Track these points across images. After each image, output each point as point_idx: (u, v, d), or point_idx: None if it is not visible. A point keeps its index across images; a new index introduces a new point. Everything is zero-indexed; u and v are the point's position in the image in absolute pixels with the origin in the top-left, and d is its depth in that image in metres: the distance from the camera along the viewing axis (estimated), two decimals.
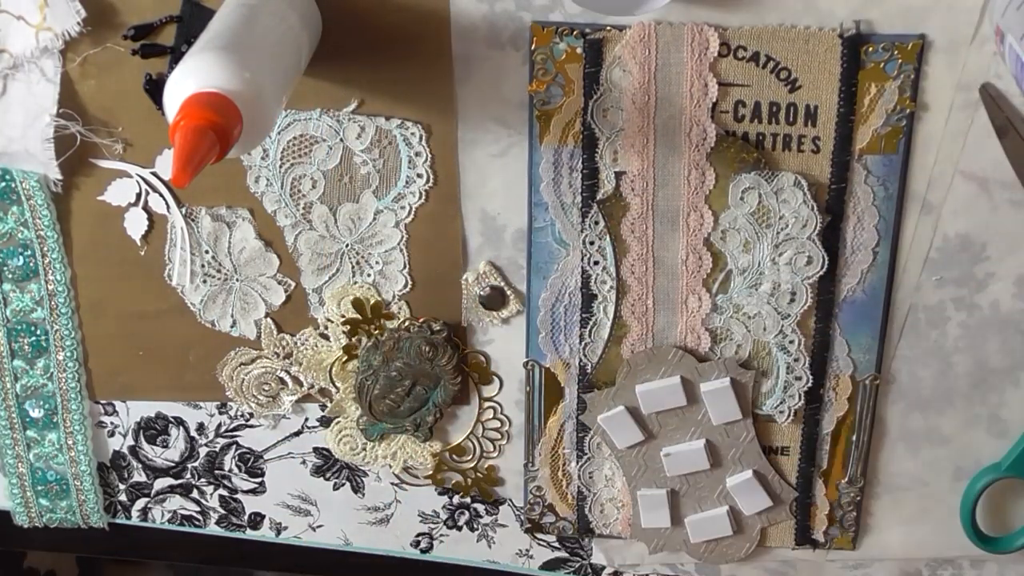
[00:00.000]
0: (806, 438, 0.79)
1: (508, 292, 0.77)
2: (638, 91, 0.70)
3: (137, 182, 0.76)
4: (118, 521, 0.90)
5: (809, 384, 0.77)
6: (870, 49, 0.68)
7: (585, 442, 0.81)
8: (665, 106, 0.70)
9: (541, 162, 0.73)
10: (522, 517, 0.85)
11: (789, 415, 0.78)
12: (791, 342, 0.76)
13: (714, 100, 0.70)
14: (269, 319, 0.80)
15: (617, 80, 0.70)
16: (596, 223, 0.74)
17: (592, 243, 0.75)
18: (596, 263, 0.75)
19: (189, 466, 0.87)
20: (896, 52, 0.68)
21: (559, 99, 0.71)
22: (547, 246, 0.75)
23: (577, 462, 0.82)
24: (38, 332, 0.82)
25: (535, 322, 0.78)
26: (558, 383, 0.79)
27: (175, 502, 0.89)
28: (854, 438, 0.79)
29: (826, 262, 0.73)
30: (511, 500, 0.85)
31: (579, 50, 0.70)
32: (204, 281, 0.79)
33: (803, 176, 0.72)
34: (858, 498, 0.81)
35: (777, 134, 0.71)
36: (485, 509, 0.86)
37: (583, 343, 0.78)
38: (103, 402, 0.85)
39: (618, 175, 0.73)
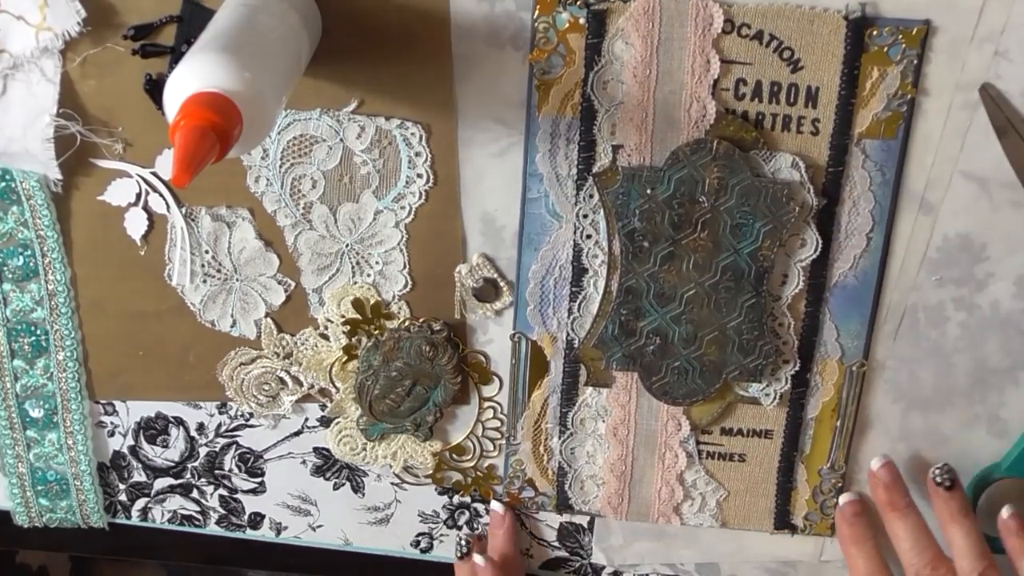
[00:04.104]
0: (790, 422, 0.79)
1: (501, 284, 0.77)
2: (639, 64, 0.70)
3: (137, 182, 0.76)
4: (118, 521, 0.90)
5: (797, 368, 0.77)
6: (874, 32, 0.68)
7: (568, 417, 0.80)
8: (666, 81, 0.70)
9: (538, 132, 0.72)
10: (501, 491, 0.85)
11: (775, 398, 0.78)
12: (781, 324, 0.76)
13: (715, 77, 0.70)
14: (269, 319, 0.80)
15: (619, 52, 0.70)
16: (590, 196, 0.74)
17: (586, 216, 0.74)
18: (588, 237, 0.75)
19: (189, 466, 0.87)
20: (900, 37, 0.68)
21: (559, 69, 0.71)
22: (539, 217, 0.75)
23: (559, 437, 0.81)
24: (38, 332, 0.82)
25: (524, 294, 0.77)
26: (544, 357, 0.79)
27: (175, 502, 0.89)
28: (838, 424, 0.79)
29: (820, 245, 0.73)
30: None
31: (582, 20, 0.69)
32: (204, 281, 0.79)
33: (801, 158, 0.71)
34: (839, 484, 0.81)
35: (777, 114, 0.71)
36: (485, 509, 0.86)
37: (571, 317, 0.77)
38: (103, 402, 0.85)
39: (615, 148, 0.72)
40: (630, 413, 0.80)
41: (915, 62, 0.68)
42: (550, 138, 0.73)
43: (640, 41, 0.69)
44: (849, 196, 0.72)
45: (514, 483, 0.84)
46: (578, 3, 0.69)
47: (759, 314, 0.74)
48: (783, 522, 0.83)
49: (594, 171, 0.73)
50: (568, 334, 0.78)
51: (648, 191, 0.72)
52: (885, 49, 0.68)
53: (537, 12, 0.69)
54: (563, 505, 0.84)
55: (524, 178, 0.74)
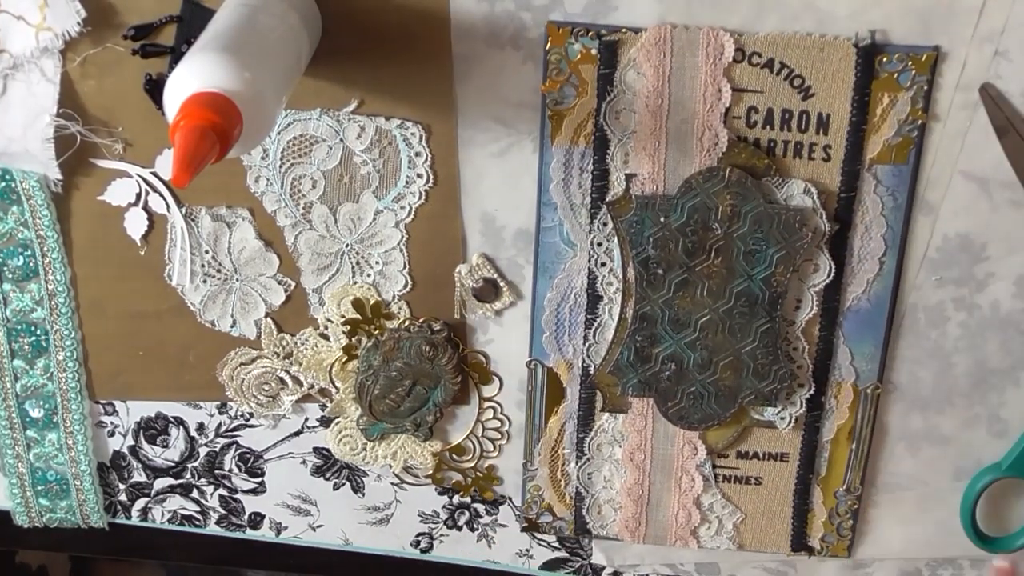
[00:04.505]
0: (806, 445, 0.79)
1: (501, 284, 0.77)
2: (651, 94, 0.70)
3: (137, 182, 0.76)
4: (118, 521, 0.90)
5: (811, 391, 0.77)
6: (884, 59, 0.68)
7: (585, 443, 0.81)
8: (678, 110, 0.70)
9: (552, 162, 0.73)
10: (519, 516, 0.85)
11: (790, 421, 0.78)
12: (795, 348, 0.76)
13: (727, 105, 0.70)
14: (269, 319, 0.80)
15: (631, 82, 0.70)
16: (604, 224, 0.74)
17: (600, 244, 0.75)
18: (603, 264, 0.75)
19: (189, 466, 0.87)
20: (910, 63, 0.68)
21: (572, 99, 0.71)
22: (554, 246, 0.75)
23: (576, 463, 0.82)
24: (38, 332, 0.82)
25: (539, 322, 0.78)
26: (560, 383, 0.79)
27: (175, 502, 0.89)
28: (853, 446, 0.79)
29: (833, 270, 0.73)
30: (511, 500, 0.85)
31: (594, 51, 0.70)
32: (204, 281, 0.79)
33: (813, 184, 0.71)
34: (855, 506, 0.81)
35: (789, 141, 0.71)
36: (485, 509, 0.86)
37: (587, 344, 0.78)
38: (103, 402, 0.85)
39: (628, 177, 0.73)
40: (646, 438, 0.80)
41: (925, 88, 0.69)
42: (564, 167, 0.73)
43: (652, 71, 0.69)
44: (861, 221, 0.72)
45: (532, 508, 0.84)
46: (590, 34, 0.69)
47: (773, 339, 0.75)
48: (800, 544, 0.83)
49: (608, 200, 0.73)
50: (584, 361, 0.78)
51: (662, 219, 0.72)
52: (895, 75, 0.69)
53: (549, 43, 0.70)
54: (581, 529, 0.84)
55: (538, 207, 0.74)
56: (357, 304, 0.79)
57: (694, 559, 0.85)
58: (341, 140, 0.74)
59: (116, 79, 0.73)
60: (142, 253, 0.79)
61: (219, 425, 0.85)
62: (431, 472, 0.84)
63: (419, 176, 0.75)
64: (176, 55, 0.72)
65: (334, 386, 0.82)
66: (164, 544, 0.91)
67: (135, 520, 0.90)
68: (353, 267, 0.78)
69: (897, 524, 0.82)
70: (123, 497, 0.89)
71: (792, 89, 0.70)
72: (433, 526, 0.87)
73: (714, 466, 0.81)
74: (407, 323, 0.79)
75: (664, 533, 0.83)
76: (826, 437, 0.79)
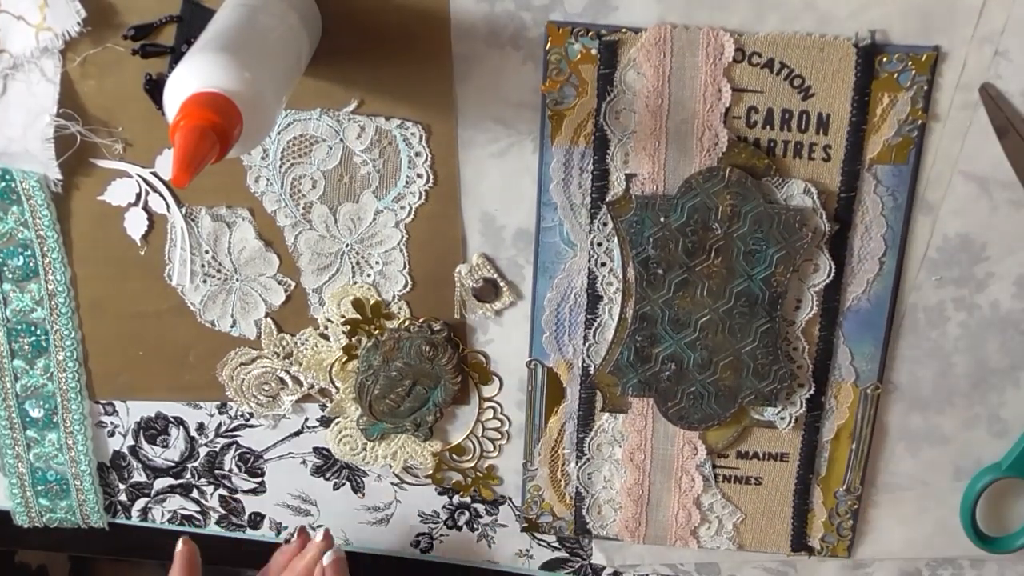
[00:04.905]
0: (806, 445, 0.79)
1: (501, 284, 0.77)
2: (651, 94, 0.70)
3: (137, 182, 0.76)
4: (118, 521, 0.90)
5: (811, 391, 0.77)
6: (884, 59, 0.68)
7: (585, 443, 0.81)
8: (678, 110, 0.70)
9: (552, 162, 0.73)
10: (519, 516, 0.85)
11: (790, 421, 0.78)
12: (795, 348, 0.76)
13: (727, 105, 0.70)
14: (269, 319, 0.80)
15: (631, 82, 0.70)
16: (604, 224, 0.74)
17: (600, 244, 0.75)
18: (603, 264, 0.75)
19: (189, 466, 0.87)
20: (910, 63, 0.68)
21: (572, 99, 0.71)
22: (554, 246, 0.75)
23: (576, 463, 0.82)
24: (38, 332, 0.82)
25: (539, 322, 0.78)
26: (560, 383, 0.79)
27: (175, 502, 0.89)
28: (853, 446, 0.79)
29: (833, 270, 0.73)
30: (511, 500, 0.85)
31: (594, 51, 0.70)
32: (204, 281, 0.79)
33: (813, 184, 0.71)
34: (855, 506, 0.81)
35: (789, 141, 0.71)
36: (485, 509, 0.86)
37: (587, 344, 0.78)
38: (103, 402, 0.85)
39: (628, 177, 0.73)
40: (646, 438, 0.80)
41: (925, 88, 0.69)
42: (564, 167, 0.73)
43: (652, 71, 0.69)
44: (861, 221, 0.73)
45: (532, 508, 0.84)
46: (590, 34, 0.69)
47: (773, 339, 0.75)
48: (800, 544, 0.83)
49: (608, 200, 0.73)
50: (584, 361, 0.78)
51: (662, 219, 0.72)
52: (895, 75, 0.69)
53: (549, 43, 0.70)
54: (581, 530, 0.84)
55: (538, 207, 0.74)
56: (357, 304, 0.79)
57: (694, 559, 0.85)
58: (341, 140, 0.74)
59: (116, 79, 0.73)
60: (142, 253, 0.79)
61: (219, 425, 0.85)
62: (431, 472, 0.84)
63: (419, 176, 0.75)
64: (176, 55, 0.72)
65: (334, 386, 0.82)
66: (164, 544, 0.91)
67: (135, 520, 0.90)
68: (353, 267, 0.78)
69: (897, 524, 0.82)
70: (123, 497, 0.89)
71: (792, 89, 0.70)
72: (433, 526, 0.87)
73: (714, 466, 0.81)
74: (407, 323, 0.79)
75: (664, 533, 0.83)
76: (826, 437, 0.79)
